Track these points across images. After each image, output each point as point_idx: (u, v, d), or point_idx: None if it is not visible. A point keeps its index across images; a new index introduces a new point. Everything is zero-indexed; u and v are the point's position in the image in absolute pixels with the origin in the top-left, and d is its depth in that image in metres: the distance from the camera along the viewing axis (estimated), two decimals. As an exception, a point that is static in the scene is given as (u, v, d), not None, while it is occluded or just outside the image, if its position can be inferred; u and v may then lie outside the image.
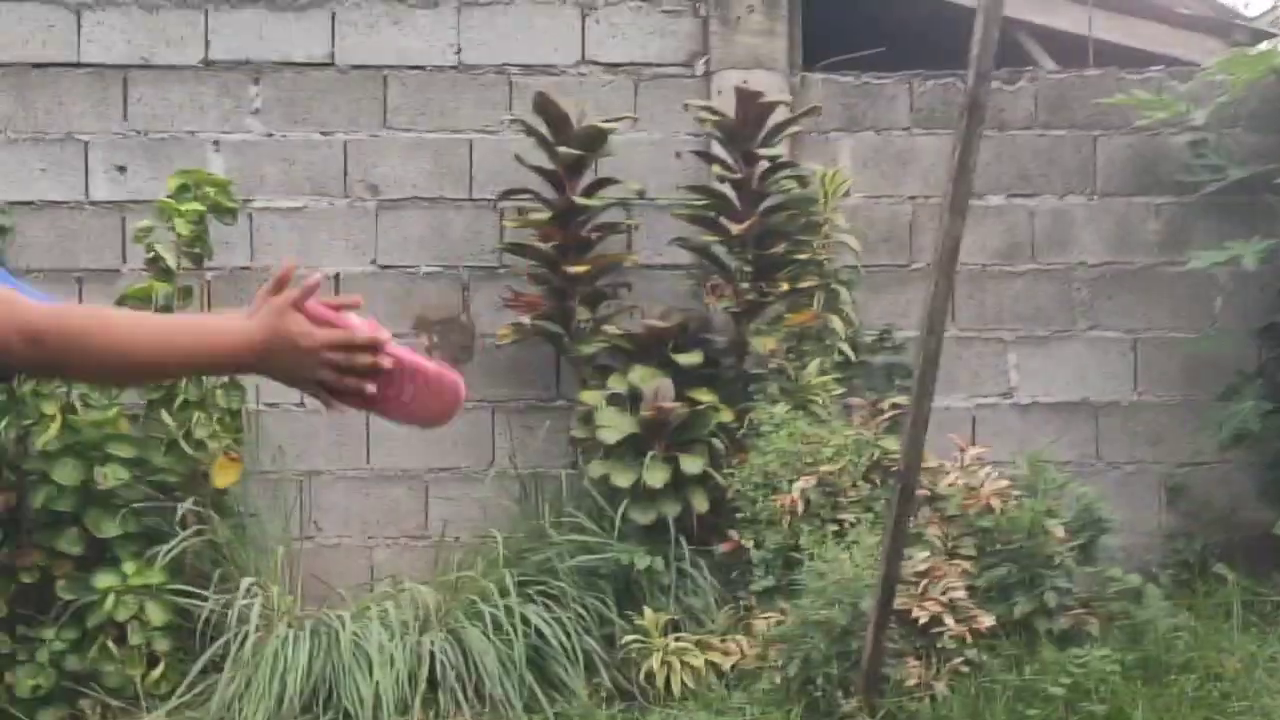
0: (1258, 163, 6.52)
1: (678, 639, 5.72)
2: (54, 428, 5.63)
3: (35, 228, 6.45)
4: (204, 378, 5.81)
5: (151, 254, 5.88)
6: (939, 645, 5.26)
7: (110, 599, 5.60)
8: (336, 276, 6.52)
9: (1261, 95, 6.63)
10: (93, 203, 6.49)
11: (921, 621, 5.24)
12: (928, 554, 5.47)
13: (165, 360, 2.16)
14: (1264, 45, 6.72)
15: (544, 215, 6.32)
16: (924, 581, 5.36)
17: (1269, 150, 6.61)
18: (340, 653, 5.62)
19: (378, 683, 5.50)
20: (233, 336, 2.16)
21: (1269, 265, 6.41)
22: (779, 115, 6.31)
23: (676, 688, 5.56)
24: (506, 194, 6.43)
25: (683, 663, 5.60)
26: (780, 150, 6.35)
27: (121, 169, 6.49)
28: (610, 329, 6.28)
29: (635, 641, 5.72)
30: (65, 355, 2.06)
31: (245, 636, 5.60)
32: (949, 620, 5.23)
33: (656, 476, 5.95)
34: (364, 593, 6.24)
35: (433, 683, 5.65)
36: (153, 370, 2.16)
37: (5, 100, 6.46)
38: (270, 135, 6.56)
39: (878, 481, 5.83)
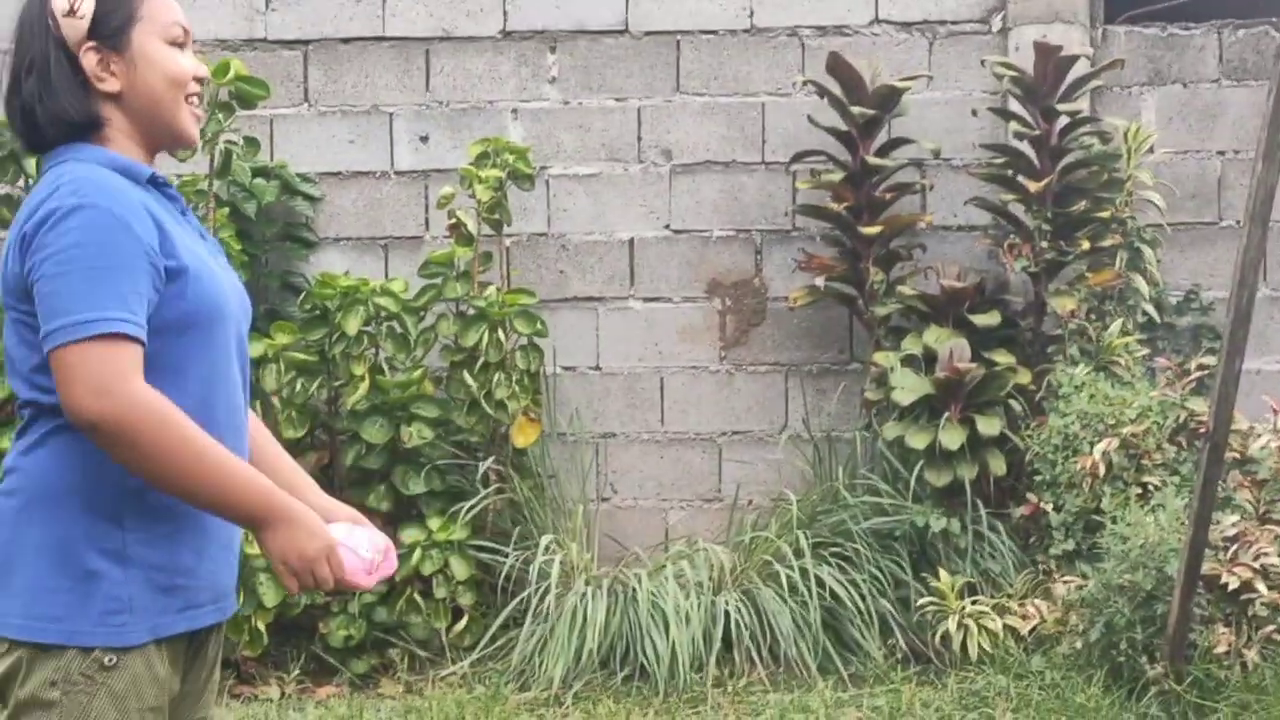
0: None
1: (975, 602, 5.64)
2: (363, 388, 5.85)
3: (343, 197, 6.69)
4: (503, 340, 5.97)
5: (454, 220, 6.04)
6: (1250, 613, 5.06)
7: (417, 553, 5.79)
8: (631, 241, 6.60)
9: None
10: (397, 172, 6.70)
11: (1231, 587, 5.05)
12: (1238, 518, 5.27)
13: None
14: None
15: (837, 176, 6.28)
16: (1234, 547, 5.16)
17: None
18: (637, 611, 5.71)
19: (674, 641, 5.57)
20: (269, 501, 2.30)
21: None
22: (1079, 69, 6.14)
23: (974, 651, 5.48)
24: (799, 156, 6.41)
25: (980, 626, 5.52)
26: (1081, 106, 6.19)
27: (424, 139, 6.69)
28: (905, 290, 6.22)
29: (931, 604, 5.67)
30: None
31: (545, 592, 5.73)
32: (1261, 586, 5.03)
33: (952, 438, 5.87)
34: (659, 553, 6.32)
35: (727, 642, 5.70)
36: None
37: (315, 74, 6.72)
38: (566, 103, 6.67)
39: (1184, 444, 5.64)
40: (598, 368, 6.64)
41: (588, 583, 5.80)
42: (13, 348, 2.29)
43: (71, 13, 2.32)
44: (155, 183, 2.40)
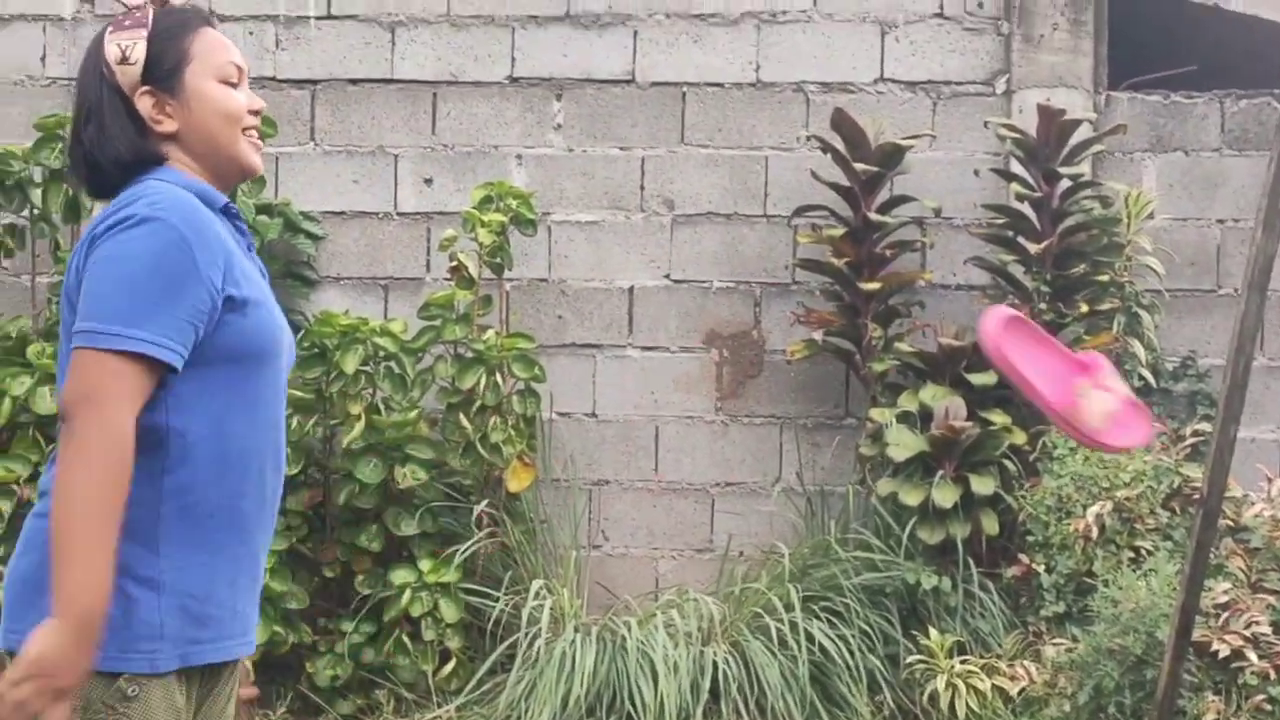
0: None
1: (964, 661, 5.63)
2: (358, 427, 5.85)
3: (346, 236, 6.71)
4: (500, 384, 5.98)
5: (455, 262, 6.06)
6: (1240, 681, 5.05)
7: (406, 594, 5.78)
8: (631, 290, 6.63)
9: None
10: (401, 213, 6.73)
11: (1222, 655, 5.04)
12: (1230, 586, 5.27)
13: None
14: None
15: (838, 232, 6.31)
16: (1225, 614, 5.16)
17: None
18: (625, 659, 5.69)
19: (661, 691, 5.55)
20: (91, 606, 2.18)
21: None
22: (1082, 133, 6.19)
23: (961, 711, 5.46)
24: (801, 210, 6.44)
25: (968, 686, 5.50)
26: (1082, 169, 6.23)
27: (428, 181, 6.72)
28: (902, 347, 6.24)
29: (920, 662, 5.66)
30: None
31: (534, 638, 5.72)
32: (1251, 655, 5.03)
33: (946, 496, 5.87)
34: (649, 602, 6.31)
35: (715, 694, 5.68)
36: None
37: (322, 114, 6.75)
38: (570, 150, 6.70)
39: (1177, 509, 5.65)
40: (594, 414, 6.64)
41: (577, 630, 5.79)
42: (64, 356, 2.33)
43: (124, 60, 2.39)
44: (228, 213, 2.45)
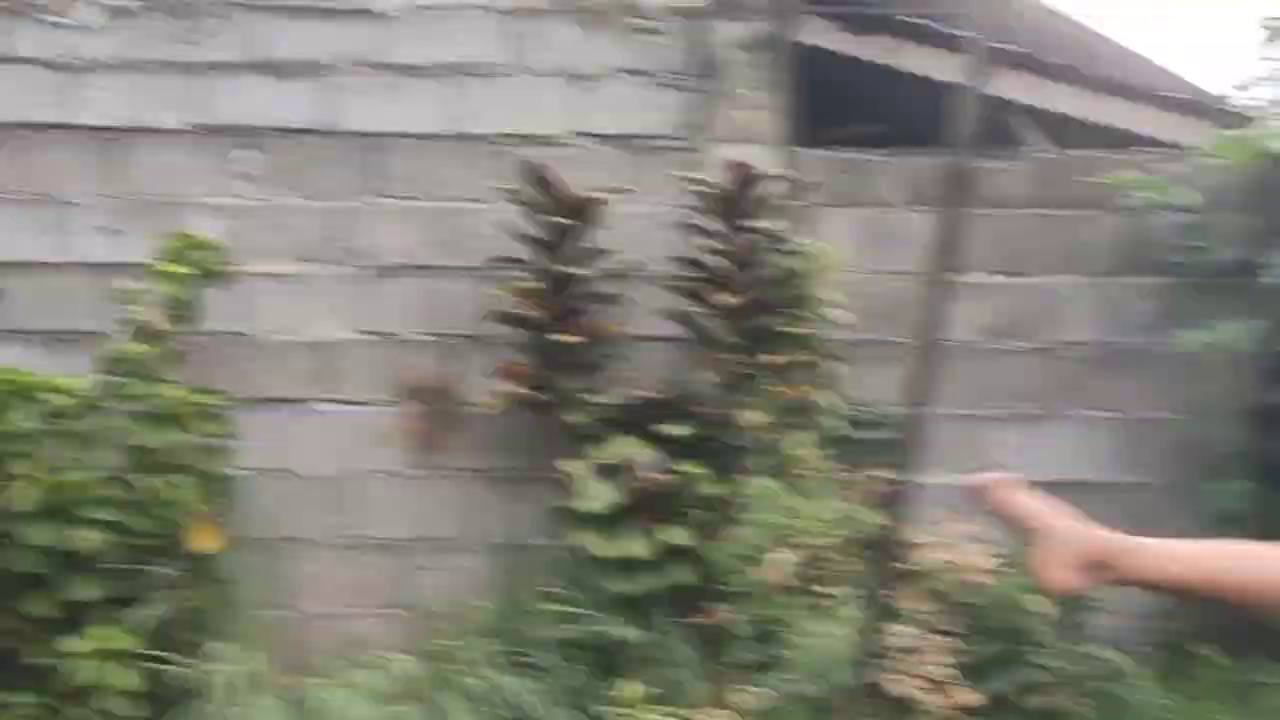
0: (1246, 245, 6.53)
1: (658, 712, 5.66)
2: (27, 488, 5.58)
3: (25, 288, 6.45)
4: (186, 442, 5.81)
5: (139, 316, 5.87)
6: (919, 722, 5.21)
7: (76, 662, 5.52)
8: (327, 343, 6.53)
9: (1249, 178, 6.66)
10: (85, 264, 6.50)
11: (903, 697, 5.18)
12: (911, 629, 5.42)
13: None
14: (1247, 129, 6.74)
15: (535, 284, 6.33)
16: (906, 657, 5.30)
17: (1257, 233, 6.63)
18: (316, 722, 5.57)
19: (354, 752, 5.45)
20: None
21: (1256, 347, 6.42)
22: (770, 188, 6.33)
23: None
24: (497, 262, 6.43)
25: (662, 736, 5.54)
26: (771, 224, 6.36)
27: (115, 231, 6.50)
28: (598, 399, 6.27)
29: (615, 714, 5.66)
30: None
31: (219, 704, 5.54)
32: (930, 696, 5.18)
33: (640, 548, 5.92)
34: (344, 662, 6.18)
35: (411, 753, 5.60)
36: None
37: (0, 160, 6.50)
38: (264, 200, 6.58)
39: (863, 556, 5.79)
40: (289, 470, 6.51)
41: (267, 693, 5.63)
42: None
43: None
44: None
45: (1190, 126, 7.17)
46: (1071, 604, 5.68)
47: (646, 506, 6.02)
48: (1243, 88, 7.16)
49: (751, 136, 6.60)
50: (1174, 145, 6.98)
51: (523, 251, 6.37)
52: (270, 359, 6.52)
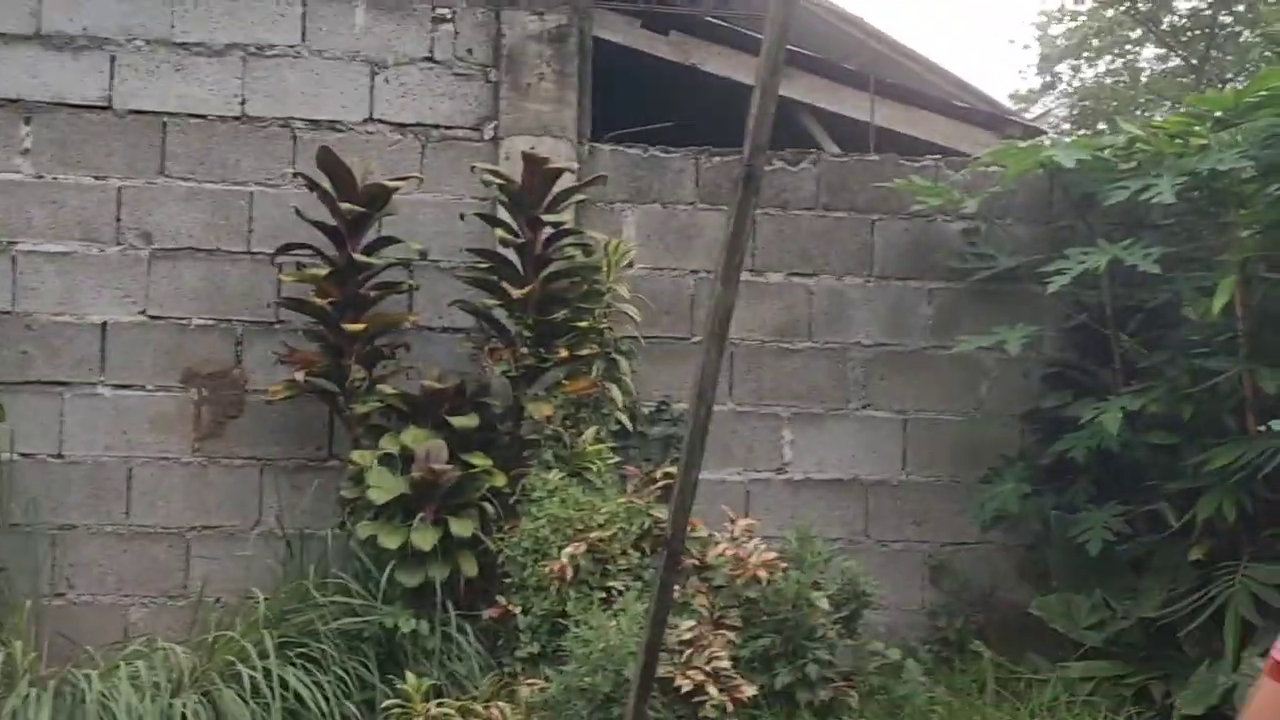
0: (1024, 252, 6.74)
1: (440, 704, 5.60)
2: None
3: None
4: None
5: (-95, 291, 5.64)
6: (701, 714, 5.23)
7: None
8: (104, 325, 6.33)
9: (1030, 187, 6.87)
10: None
11: (684, 690, 5.21)
12: (694, 623, 5.46)
13: None
14: (1031, 141, 6.95)
15: (323, 271, 6.22)
16: (689, 650, 5.34)
17: (1035, 241, 6.85)
18: (85, 714, 5.38)
19: (121, 746, 5.28)
20: None
21: (1032, 352, 6.63)
22: (565, 182, 6.32)
23: (436, 755, 5.43)
24: (285, 248, 6.30)
25: (442, 729, 5.48)
26: (565, 217, 6.35)
27: (-121, 203, 6.24)
28: (385, 389, 6.20)
29: (396, 707, 5.59)
30: None
31: (-18, 693, 5.34)
32: (711, 689, 5.21)
33: (425, 539, 5.85)
34: (116, 652, 5.99)
35: (183, 747, 5.45)
36: None
37: None
38: (40, 177, 6.35)
39: (648, 550, 5.81)
40: (60, 455, 6.30)
41: (32, 684, 5.43)
42: None
43: None
44: None
45: (981, 137, 7.36)
46: (851, 600, 5.78)
47: (433, 497, 5.96)
48: (1025, 101, 7.37)
49: (548, 130, 6.58)
50: (963, 154, 7.15)
51: (312, 238, 6.26)
52: (45, 340, 6.30)
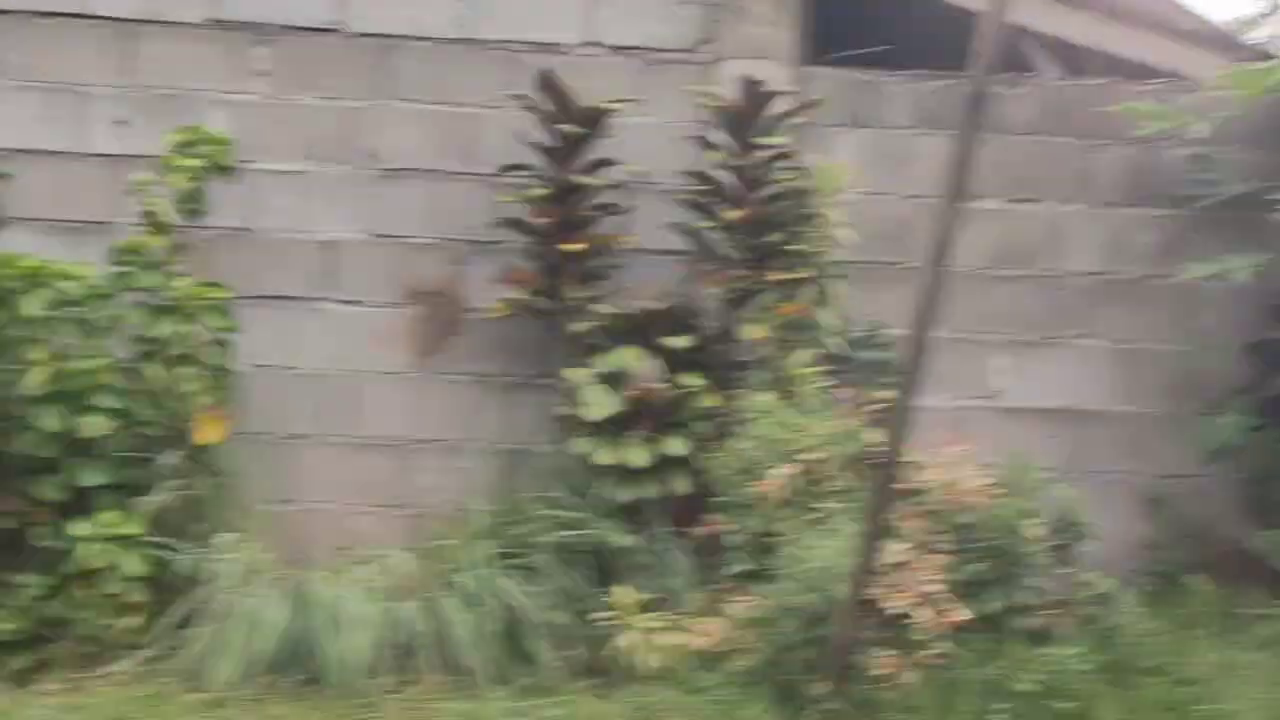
0: (1255, 179, 6.56)
1: (652, 618, 5.73)
2: (39, 373, 5.62)
3: (35, 176, 6.44)
4: (192, 334, 5.85)
5: (148, 207, 5.88)
6: (911, 636, 5.26)
7: (85, 546, 5.59)
8: (332, 242, 6.54)
9: (1263, 112, 6.67)
10: (95, 155, 6.50)
11: (894, 612, 5.25)
12: (905, 546, 5.48)
13: None
14: (1261, 64, 6.74)
15: (542, 192, 6.33)
16: (899, 573, 5.36)
17: (1267, 167, 6.65)
18: (315, 614, 5.62)
19: (350, 646, 5.50)
20: None
21: (1260, 282, 6.46)
22: (781, 105, 6.33)
23: (648, 666, 5.56)
24: (506, 169, 6.43)
25: (655, 642, 5.60)
26: (780, 141, 6.36)
27: (125, 123, 6.50)
28: (602, 308, 6.30)
29: (609, 618, 5.73)
30: None
31: (221, 592, 5.60)
32: (922, 612, 5.24)
33: (639, 456, 5.96)
34: (342, 557, 6.24)
35: (409, 649, 5.65)
36: None
37: (9, 47, 6.47)
38: (275, 98, 6.57)
39: (859, 473, 5.84)
40: (291, 368, 6.55)
41: (267, 584, 5.69)
42: None
43: None
44: None
45: (1205, 60, 7.16)
46: (1065, 529, 5.75)
47: (647, 416, 6.07)
48: (1252, 23, 7.16)
49: (764, 52, 6.59)
50: (1187, 78, 6.97)
51: (532, 159, 6.37)
52: (278, 256, 6.54)
